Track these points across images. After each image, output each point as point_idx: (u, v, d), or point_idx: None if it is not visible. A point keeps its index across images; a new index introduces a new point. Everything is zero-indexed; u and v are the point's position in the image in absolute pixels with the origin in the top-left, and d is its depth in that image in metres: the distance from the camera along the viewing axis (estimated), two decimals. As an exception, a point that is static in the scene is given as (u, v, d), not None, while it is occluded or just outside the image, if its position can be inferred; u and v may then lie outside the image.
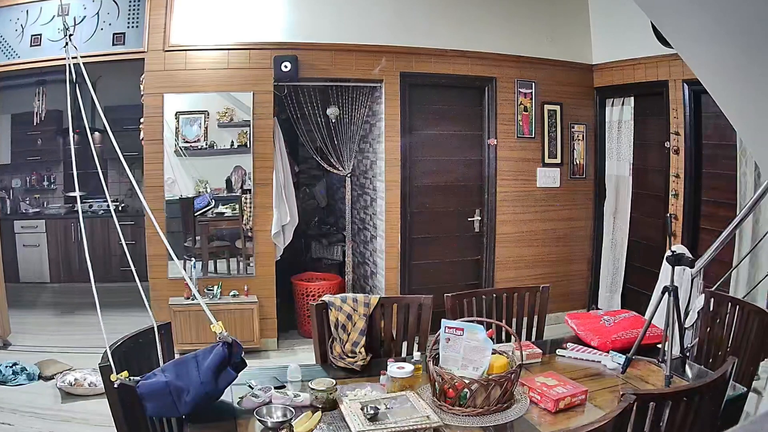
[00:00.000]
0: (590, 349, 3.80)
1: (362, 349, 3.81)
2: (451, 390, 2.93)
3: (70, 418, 5.68)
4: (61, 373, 6.42)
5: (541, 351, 3.77)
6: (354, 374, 3.61)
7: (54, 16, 6.81)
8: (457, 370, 3.00)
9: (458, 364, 3.05)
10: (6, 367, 6.53)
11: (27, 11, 7.11)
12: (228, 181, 7.11)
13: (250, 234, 7.16)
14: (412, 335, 4.12)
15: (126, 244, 3.70)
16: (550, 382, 3.14)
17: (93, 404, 5.82)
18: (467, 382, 2.89)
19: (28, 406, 5.89)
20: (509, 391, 2.98)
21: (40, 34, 7.07)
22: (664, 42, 5.67)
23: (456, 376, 2.91)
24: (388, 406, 2.96)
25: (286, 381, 3.44)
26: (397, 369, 3.27)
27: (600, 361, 3.64)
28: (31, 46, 7.14)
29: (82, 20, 6.90)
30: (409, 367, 3.28)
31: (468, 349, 3.05)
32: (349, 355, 3.78)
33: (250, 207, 7.10)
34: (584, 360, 3.71)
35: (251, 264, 7.21)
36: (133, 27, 6.98)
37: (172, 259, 6.12)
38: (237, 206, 7.11)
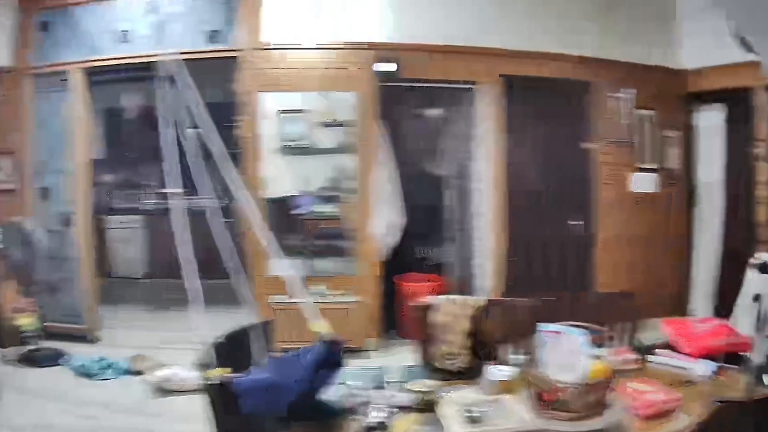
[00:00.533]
0: (682, 356, 3.88)
1: (463, 351, 3.95)
2: (547, 394, 3.01)
3: (157, 414, 5.99)
4: (152, 368, 6.72)
5: (635, 357, 3.87)
6: (454, 376, 3.73)
7: (144, 13, 7.19)
8: (554, 374, 3.07)
9: (556, 368, 3.12)
10: (93, 361, 6.91)
11: (116, 7, 7.53)
12: (331, 180, 7.36)
13: (354, 233, 7.38)
14: (512, 338, 4.19)
15: (227, 241, 3.94)
16: (643, 388, 3.24)
17: (182, 400, 6.13)
18: (564, 386, 2.97)
19: (115, 401, 6.24)
20: (604, 397, 3.05)
21: (131, 30, 7.45)
22: (747, 47, 5.71)
23: (553, 381, 3.00)
24: (485, 409, 3.07)
25: (386, 381, 3.56)
26: (496, 372, 3.39)
27: (690, 368, 3.72)
28: (122, 42, 7.51)
29: (174, 17, 7.25)
30: (508, 371, 3.40)
31: (565, 353, 3.13)
32: (451, 356, 3.95)
33: (355, 207, 7.34)
34: (676, 367, 3.79)
35: (355, 263, 7.45)
36: (228, 24, 7.28)
37: (275, 257, 6.37)
38: (341, 206, 7.34)
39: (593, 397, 2.99)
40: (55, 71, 7.93)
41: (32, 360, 7.32)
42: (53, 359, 7.32)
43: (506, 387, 3.33)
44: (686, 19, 7.99)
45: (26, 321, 7.64)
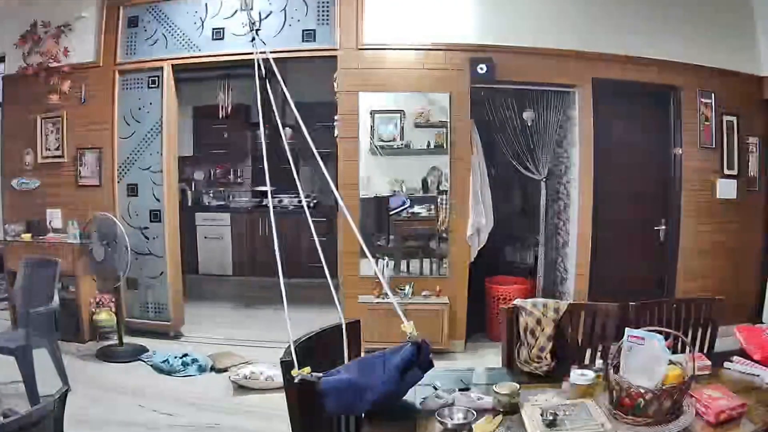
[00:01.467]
0: (755, 363, 3.97)
1: (548, 355, 4.09)
2: (627, 399, 3.11)
3: (236, 411, 6.13)
4: (236, 365, 6.92)
5: (710, 363, 3.94)
6: (538, 380, 3.89)
7: (236, 11, 7.39)
8: (634, 380, 3.16)
9: (637, 374, 3.22)
10: (175, 357, 7.08)
11: (206, 4, 7.78)
12: (424, 182, 7.58)
13: (444, 235, 7.60)
14: (596, 343, 4.35)
15: (317, 240, 4.15)
16: (715, 394, 3.30)
17: (264, 398, 6.32)
18: (644, 392, 3.06)
19: (194, 397, 6.40)
20: (679, 402, 3.14)
21: (223, 28, 7.70)
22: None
23: (633, 385, 3.09)
24: (566, 413, 3.18)
25: (471, 383, 3.73)
26: (578, 376, 3.49)
27: (760, 375, 3.82)
28: (213, 39, 7.78)
29: (268, 16, 7.47)
30: (590, 375, 3.50)
31: (647, 358, 3.23)
32: (536, 360, 4.11)
33: (446, 208, 7.52)
34: (746, 373, 3.89)
35: (444, 265, 7.66)
36: (323, 24, 7.51)
37: (365, 257, 6.57)
38: (433, 207, 7.54)
39: (669, 402, 3.10)
40: (144, 67, 8.24)
41: (110, 355, 7.61)
42: (133, 355, 7.61)
43: (587, 391, 3.45)
44: (764, 29, 8.13)
45: (105, 317, 8.04)
